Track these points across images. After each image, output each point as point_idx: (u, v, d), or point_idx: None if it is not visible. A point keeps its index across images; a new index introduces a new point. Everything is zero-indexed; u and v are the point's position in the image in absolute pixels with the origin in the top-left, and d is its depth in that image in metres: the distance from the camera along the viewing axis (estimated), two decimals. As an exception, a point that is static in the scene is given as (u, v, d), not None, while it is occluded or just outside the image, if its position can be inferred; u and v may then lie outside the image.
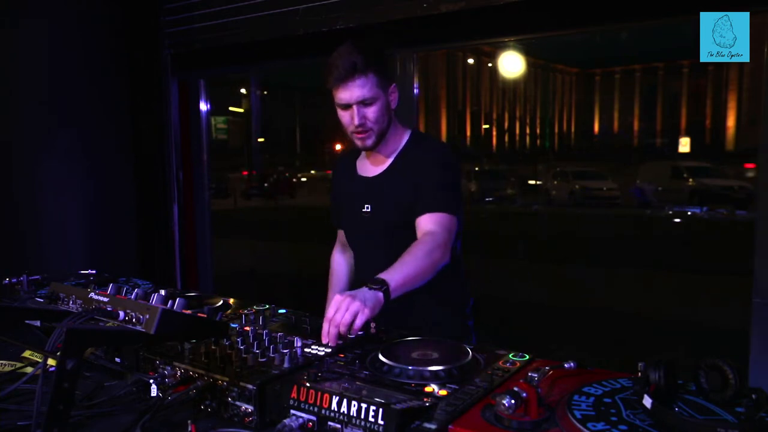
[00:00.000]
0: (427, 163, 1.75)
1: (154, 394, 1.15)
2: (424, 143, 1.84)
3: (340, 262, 2.09)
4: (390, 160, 1.82)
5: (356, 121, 1.71)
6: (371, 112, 1.71)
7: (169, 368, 1.16)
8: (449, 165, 1.78)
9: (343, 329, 1.31)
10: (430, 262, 1.57)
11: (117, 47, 3.25)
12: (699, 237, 12.76)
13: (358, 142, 1.77)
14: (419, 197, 1.70)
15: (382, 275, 1.47)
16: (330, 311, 1.34)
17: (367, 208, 1.81)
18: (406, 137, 1.84)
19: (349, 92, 1.68)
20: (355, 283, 1.99)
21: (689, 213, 16.32)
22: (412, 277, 1.52)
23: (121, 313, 1.05)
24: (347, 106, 1.71)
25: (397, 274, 1.48)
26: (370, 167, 1.87)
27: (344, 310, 1.32)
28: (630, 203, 20.09)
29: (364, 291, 1.40)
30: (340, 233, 2.05)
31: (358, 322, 1.32)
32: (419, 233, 1.66)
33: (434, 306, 1.77)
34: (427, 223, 1.66)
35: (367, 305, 1.35)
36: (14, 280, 1.65)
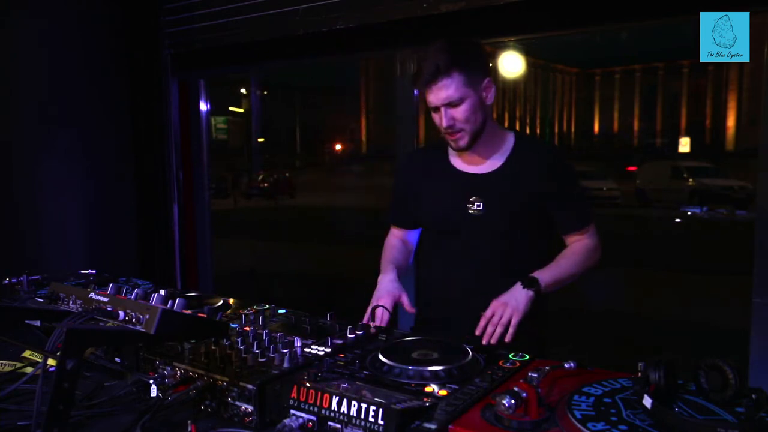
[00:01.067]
0: (550, 171, 1.74)
1: (154, 394, 1.15)
2: (534, 145, 1.84)
3: (396, 244, 1.95)
4: (502, 159, 1.76)
5: (444, 123, 1.67)
6: (460, 112, 1.66)
7: (169, 368, 1.16)
8: (574, 173, 1.85)
9: (499, 329, 1.52)
10: (583, 264, 1.75)
11: (117, 47, 3.25)
12: (699, 237, 12.76)
13: (452, 143, 1.73)
14: (565, 218, 1.78)
15: (535, 274, 1.64)
16: (488, 312, 1.55)
17: (478, 205, 1.73)
18: (511, 138, 1.79)
19: (434, 95, 1.65)
20: (441, 289, 1.83)
21: (689, 213, 16.32)
22: (562, 278, 1.70)
23: (121, 313, 1.05)
24: (436, 109, 1.68)
25: (547, 274, 1.65)
26: (475, 164, 1.78)
27: (500, 312, 1.53)
28: (630, 203, 20.09)
29: (516, 290, 1.59)
30: (399, 235, 1.96)
31: (514, 321, 1.52)
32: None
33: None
34: (578, 238, 1.79)
35: (519, 307, 1.55)
36: (14, 280, 1.65)
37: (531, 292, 1.59)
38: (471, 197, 1.73)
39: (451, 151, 1.82)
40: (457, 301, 1.75)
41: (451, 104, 1.65)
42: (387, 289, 1.71)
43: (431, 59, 1.64)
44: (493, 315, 1.54)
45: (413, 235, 1.95)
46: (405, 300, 1.69)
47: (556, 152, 1.87)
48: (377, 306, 1.65)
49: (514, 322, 1.52)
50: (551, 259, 1.76)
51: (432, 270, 1.88)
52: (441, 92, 1.64)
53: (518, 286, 1.60)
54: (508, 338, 1.52)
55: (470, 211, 1.73)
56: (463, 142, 1.70)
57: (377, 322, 1.61)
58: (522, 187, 1.72)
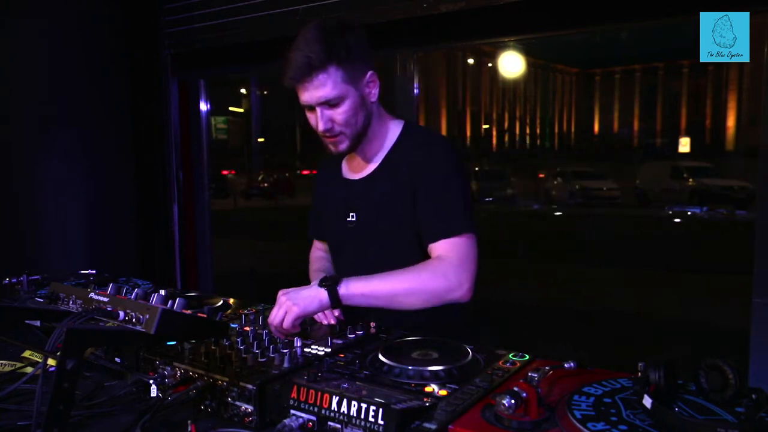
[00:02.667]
0: (427, 167, 1.47)
1: (154, 394, 1.15)
2: (418, 137, 1.56)
3: (321, 255, 1.81)
4: (379, 160, 1.56)
5: (321, 126, 1.45)
6: (339, 113, 1.44)
7: (169, 368, 1.16)
8: (454, 168, 1.49)
9: (273, 330, 1.30)
10: (419, 286, 1.36)
11: (117, 47, 3.25)
12: (699, 237, 12.76)
13: (330, 147, 1.51)
14: (427, 219, 1.45)
15: (350, 278, 1.35)
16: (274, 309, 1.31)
17: (352, 216, 1.57)
18: (397, 131, 1.57)
19: (308, 93, 1.43)
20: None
21: (689, 213, 16.33)
22: (381, 292, 1.36)
23: (121, 313, 1.05)
24: (310, 107, 1.46)
25: (362, 282, 1.34)
26: (356, 167, 1.62)
27: (277, 308, 1.30)
28: (630, 203, 20.10)
29: (307, 288, 1.33)
30: (319, 245, 1.83)
31: (286, 322, 1.28)
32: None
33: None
34: (439, 249, 1.42)
35: (297, 304, 1.28)
36: (14, 280, 1.65)
37: (323, 292, 1.31)
38: (347, 208, 1.59)
39: (346, 156, 1.64)
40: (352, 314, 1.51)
41: (329, 103, 1.43)
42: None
43: (302, 51, 1.38)
44: (272, 310, 1.32)
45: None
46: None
47: (441, 143, 1.53)
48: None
49: (286, 321, 1.28)
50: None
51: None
52: (317, 91, 1.41)
53: (313, 286, 1.33)
54: (281, 334, 1.30)
55: (347, 224, 1.58)
56: (342, 146, 1.49)
57: (323, 320, 1.47)
58: (398, 186, 1.50)
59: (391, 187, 1.51)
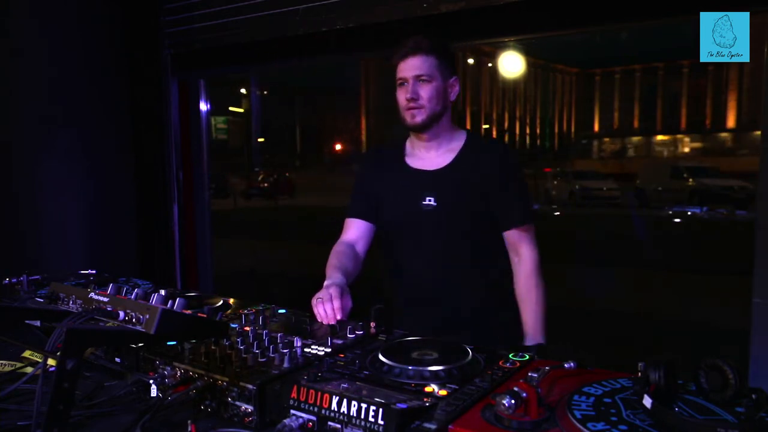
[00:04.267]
0: (498, 168, 1.80)
1: (154, 394, 1.15)
2: (484, 143, 1.91)
3: (343, 247, 1.89)
4: (453, 156, 1.83)
5: (408, 95, 1.75)
6: (425, 90, 1.75)
7: (169, 368, 1.16)
8: (518, 169, 1.87)
9: None
10: (541, 291, 1.79)
11: (117, 47, 3.25)
12: (699, 237, 12.76)
13: (408, 118, 1.78)
14: (503, 210, 1.79)
15: (531, 335, 1.75)
16: None
17: (430, 200, 1.79)
18: (463, 137, 1.87)
19: (408, 66, 1.75)
20: (399, 287, 1.90)
21: (689, 213, 16.33)
22: (544, 313, 1.78)
23: (121, 313, 1.05)
24: (403, 82, 1.77)
25: (540, 327, 1.77)
26: (427, 162, 1.85)
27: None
28: (630, 203, 20.10)
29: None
30: (351, 225, 1.92)
31: None
32: (511, 247, 1.80)
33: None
34: (517, 237, 1.79)
35: None
36: (14, 280, 1.65)
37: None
38: (423, 193, 1.80)
39: (406, 151, 1.91)
40: (417, 291, 1.84)
41: (420, 78, 1.75)
42: (333, 282, 1.62)
43: (414, 39, 1.77)
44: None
45: (363, 242, 1.90)
46: (344, 302, 1.55)
47: (504, 149, 1.92)
48: (318, 298, 1.54)
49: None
50: (503, 252, 1.83)
51: (392, 269, 1.91)
52: (415, 64, 1.75)
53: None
54: None
55: (424, 207, 1.79)
56: (419, 118, 1.77)
57: (323, 314, 1.50)
58: (470, 181, 1.79)
59: (465, 182, 1.79)
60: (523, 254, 1.79)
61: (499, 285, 1.85)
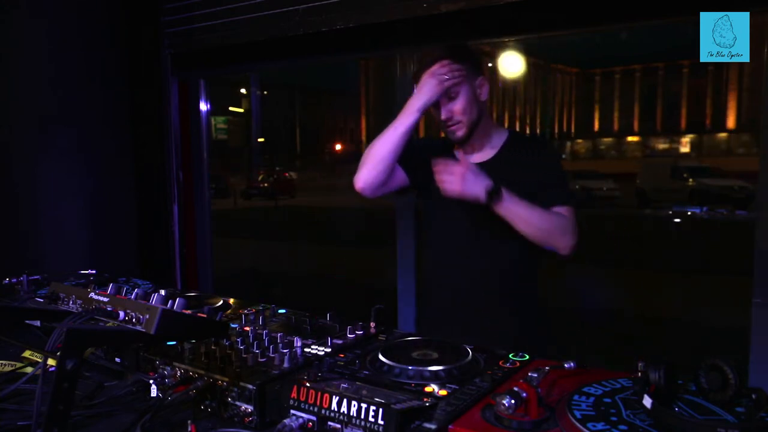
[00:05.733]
0: (537, 161, 1.80)
1: (154, 394, 1.15)
2: (526, 139, 1.99)
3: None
4: (496, 150, 1.84)
5: (443, 116, 1.76)
6: (457, 104, 1.75)
7: (169, 368, 1.16)
8: (558, 162, 1.86)
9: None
10: (551, 225, 1.67)
11: (117, 47, 3.24)
12: (699, 237, 12.76)
13: (450, 135, 1.81)
14: (543, 192, 1.74)
15: (506, 192, 1.62)
16: (441, 166, 1.63)
17: None
18: (505, 133, 1.87)
19: None
20: (430, 261, 1.96)
21: (689, 213, 16.34)
22: (524, 216, 1.64)
23: (121, 313, 1.05)
24: (435, 104, 1.75)
25: (515, 200, 1.62)
26: (473, 155, 1.86)
27: (450, 172, 1.60)
28: (630, 203, 20.11)
29: (480, 181, 1.60)
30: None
31: (444, 188, 1.60)
32: None
33: (506, 316, 1.81)
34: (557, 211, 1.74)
35: (463, 186, 1.59)
36: (14, 280, 1.65)
37: (483, 196, 1.60)
38: None
39: (456, 148, 1.92)
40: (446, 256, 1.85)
41: (449, 95, 1.73)
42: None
43: (431, 51, 1.76)
44: (445, 167, 1.61)
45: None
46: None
47: (545, 144, 1.98)
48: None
49: (449, 188, 1.60)
50: (536, 252, 1.79)
51: (433, 254, 1.94)
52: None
53: (485, 182, 1.61)
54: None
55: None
56: (460, 133, 1.78)
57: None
58: (514, 173, 1.77)
59: (509, 173, 1.75)
60: (567, 232, 1.73)
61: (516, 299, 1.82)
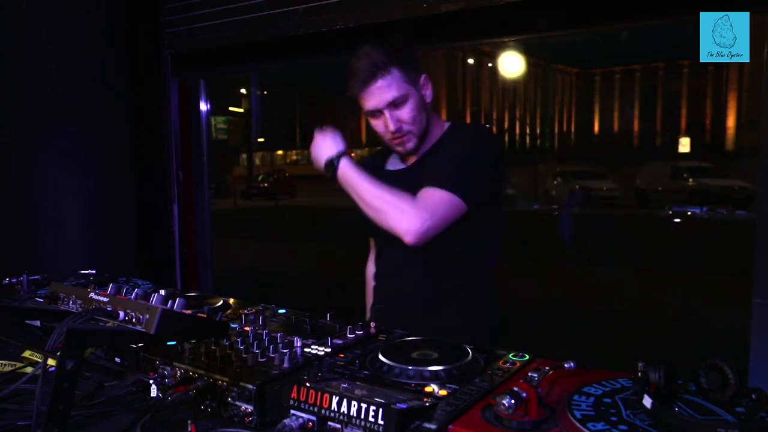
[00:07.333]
0: (460, 145, 1.59)
1: (154, 394, 1.15)
2: (463, 128, 1.69)
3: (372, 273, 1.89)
4: (422, 152, 1.67)
5: (391, 127, 1.56)
6: (405, 112, 1.56)
7: (169, 368, 1.16)
8: (474, 143, 1.60)
9: None
10: (383, 202, 1.45)
11: (117, 47, 3.24)
12: (699, 237, 12.76)
13: (399, 148, 1.62)
14: (429, 170, 1.55)
15: (346, 163, 1.51)
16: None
17: None
18: (445, 127, 1.69)
19: (376, 97, 1.54)
20: (378, 288, 1.81)
21: (689, 213, 16.33)
22: (359, 188, 1.49)
23: (121, 313, 1.05)
24: (376, 113, 1.57)
25: (351, 172, 1.51)
26: (401, 161, 1.72)
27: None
28: (630, 203, 20.10)
29: (325, 149, 1.54)
30: (371, 244, 1.89)
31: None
32: None
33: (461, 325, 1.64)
34: (421, 192, 1.49)
35: (312, 153, 1.57)
36: (14, 280, 1.65)
37: (330, 154, 1.53)
38: None
39: (391, 157, 1.77)
40: (405, 297, 1.66)
41: (395, 104, 1.54)
42: None
43: (365, 58, 1.54)
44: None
45: None
46: None
47: (477, 128, 1.71)
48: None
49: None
50: (494, 247, 1.67)
51: (380, 275, 1.80)
52: (383, 93, 1.53)
53: (329, 151, 1.54)
54: None
55: None
56: (410, 145, 1.60)
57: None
58: (438, 167, 1.57)
59: (436, 164, 1.57)
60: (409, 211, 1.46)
61: (481, 290, 1.67)
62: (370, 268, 1.88)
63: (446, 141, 1.64)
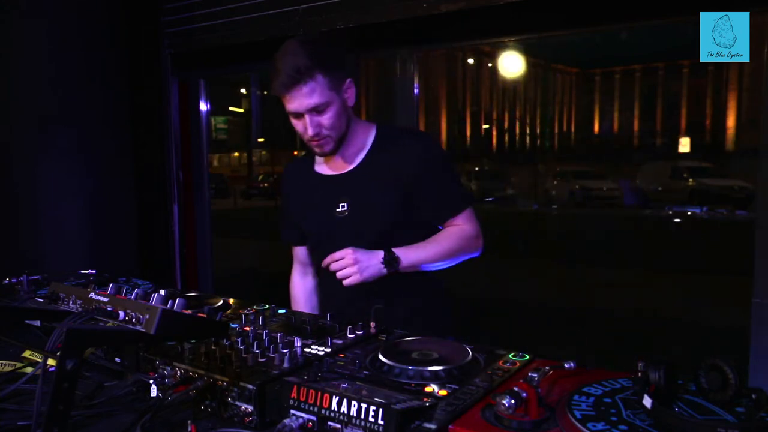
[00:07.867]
0: (418, 165, 1.64)
1: (154, 394, 1.15)
2: (397, 135, 1.73)
3: (300, 286, 1.95)
4: (362, 155, 1.69)
5: (310, 132, 1.57)
6: (326, 119, 1.57)
7: (169, 368, 1.16)
8: (440, 157, 1.70)
9: (339, 274, 1.54)
10: (455, 249, 1.65)
11: (117, 47, 3.24)
12: (699, 237, 12.76)
13: (316, 150, 1.64)
14: (435, 205, 1.67)
15: (399, 252, 1.58)
16: (336, 254, 1.55)
17: (343, 206, 1.67)
18: (372, 132, 1.71)
19: (297, 101, 1.54)
20: (326, 307, 1.81)
21: (689, 213, 16.34)
22: (426, 261, 1.63)
23: (121, 313, 1.05)
24: (297, 115, 1.58)
25: (412, 255, 1.60)
26: (338, 166, 1.72)
27: (343, 263, 1.53)
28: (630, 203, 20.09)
29: (375, 258, 1.55)
30: (297, 252, 1.92)
31: (349, 281, 1.53)
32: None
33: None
34: (455, 223, 1.70)
35: (363, 274, 1.53)
36: (14, 280, 1.65)
37: (385, 271, 1.56)
38: (335, 200, 1.69)
39: (317, 159, 1.78)
40: (345, 304, 1.64)
41: (317, 110, 1.55)
42: None
43: (290, 60, 1.52)
44: (340, 260, 1.55)
45: (312, 266, 1.93)
46: None
47: (421, 139, 1.74)
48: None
49: (349, 281, 1.54)
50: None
51: (321, 283, 1.88)
52: (305, 99, 1.53)
53: (378, 257, 1.56)
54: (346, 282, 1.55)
55: (336, 216, 1.68)
56: (328, 148, 1.63)
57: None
58: (385, 179, 1.64)
59: (382, 176, 1.65)
60: (471, 240, 1.70)
61: (427, 290, 1.73)
62: (300, 283, 1.96)
63: (392, 148, 1.68)
